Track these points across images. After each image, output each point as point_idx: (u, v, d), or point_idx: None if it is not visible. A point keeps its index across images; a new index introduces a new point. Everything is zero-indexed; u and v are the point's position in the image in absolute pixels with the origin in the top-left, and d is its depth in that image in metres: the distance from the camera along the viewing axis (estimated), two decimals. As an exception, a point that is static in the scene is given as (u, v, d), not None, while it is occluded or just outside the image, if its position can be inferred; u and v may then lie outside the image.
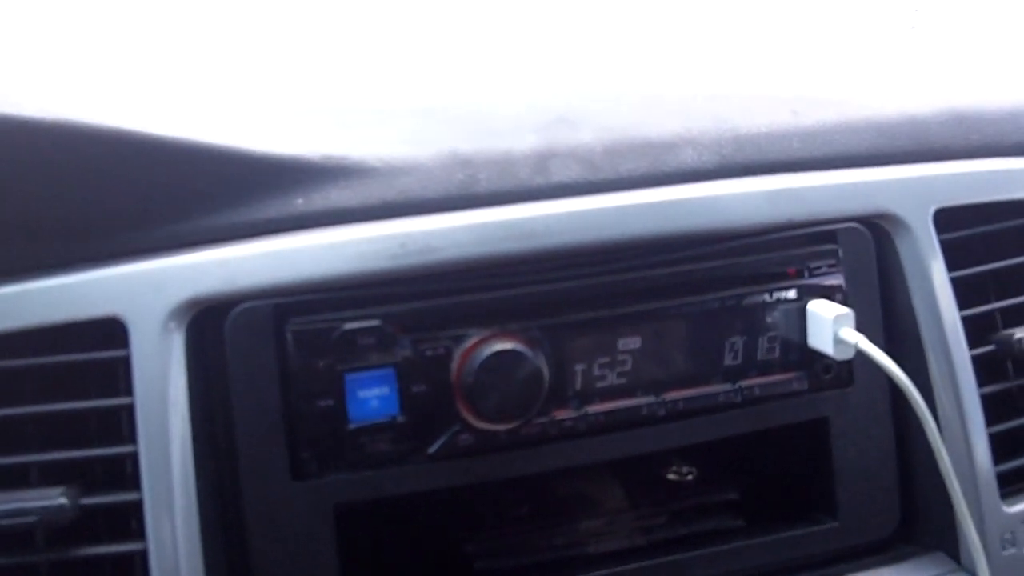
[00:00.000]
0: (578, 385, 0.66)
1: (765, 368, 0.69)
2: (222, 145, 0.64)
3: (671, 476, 0.76)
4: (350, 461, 0.63)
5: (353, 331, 0.63)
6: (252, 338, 0.62)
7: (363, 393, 0.63)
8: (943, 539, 0.71)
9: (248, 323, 0.62)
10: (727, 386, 0.69)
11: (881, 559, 0.72)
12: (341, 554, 0.64)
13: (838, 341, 0.67)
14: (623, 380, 0.67)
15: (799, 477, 0.74)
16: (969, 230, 0.75)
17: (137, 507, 0.61)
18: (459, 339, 0.64)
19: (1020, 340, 0.73)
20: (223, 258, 0.62)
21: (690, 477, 0.76)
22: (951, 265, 0.73)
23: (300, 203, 0.65)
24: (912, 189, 0.73)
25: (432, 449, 0.64)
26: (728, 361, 0.69)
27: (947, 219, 0.74)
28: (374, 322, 0.63)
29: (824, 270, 0.70)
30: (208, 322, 0.62)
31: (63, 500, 0.59)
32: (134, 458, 0.61)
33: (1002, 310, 0.76)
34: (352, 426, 0.63)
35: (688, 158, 0.71)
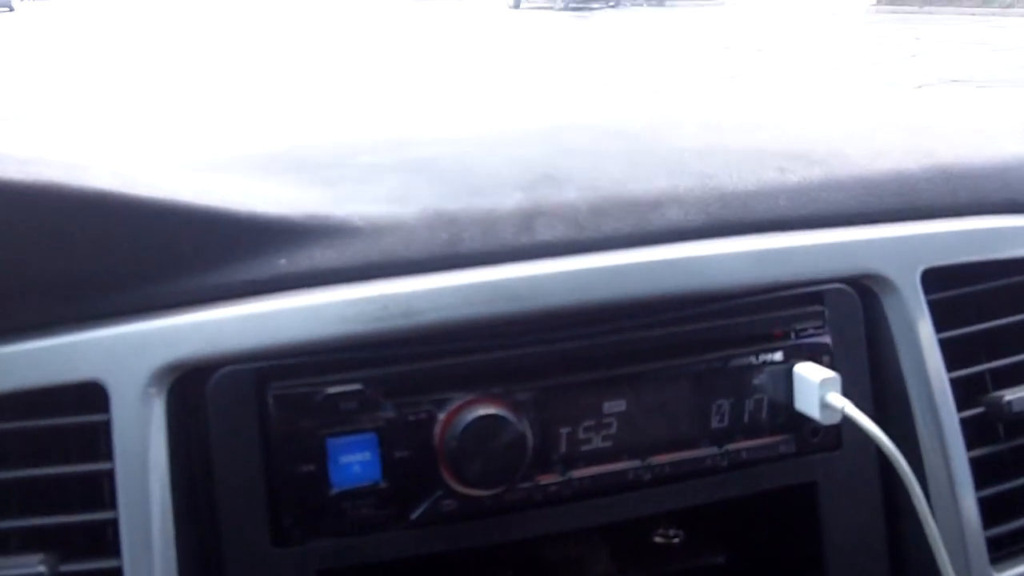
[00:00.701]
0: (563, 449, 0.65)
1: (752, 431, 0.69)
2: (205, 206, 0.64)
3: (658, 539, 0.75)
4: (332, 527, 0.62)
5: (335, 395, 0.62)
6: (233, 402, 0.62)
7: (345, 458, 0.62)
8: None
9: (229, 387, 0.62)
10: (713, 450, 0.68)
11: None
12: None
13: (824, 406, 0.67)
14: (608, 444, 0.66)
15: (787, 541, 0.73)
16: (957, 290, 0.75)
17: (117, 574, 0.60)
18: (442, 403, 0.63)
19: (1010, 403, 0.72)
20: (204, 321, 0.62)
21: (677, 540, 0.75)
22: (939, 326, 0.73)
23: (283, 264, 0.65)
24: (899, 249, 0.73)
25: (415, 515, 0.63)
26: (714, 424, 0.68)
27: (935, 279, 0.74)
28: (356, 386, 0.62)
29: (811, 332, 0.70)
30: (189, 386, 0.62)
31: (42, 568, 0.58)
32: (114, 524, 0.60)
33: (992, 371, 0.75)
34: (334, 491, 0.62)
35: (674, 216, 0.71)
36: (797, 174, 0.76)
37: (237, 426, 0.62)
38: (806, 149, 0.81)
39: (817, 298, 0.71)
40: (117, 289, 0.63)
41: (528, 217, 0.69)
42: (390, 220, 0.68)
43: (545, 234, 0.68)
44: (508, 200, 0.70)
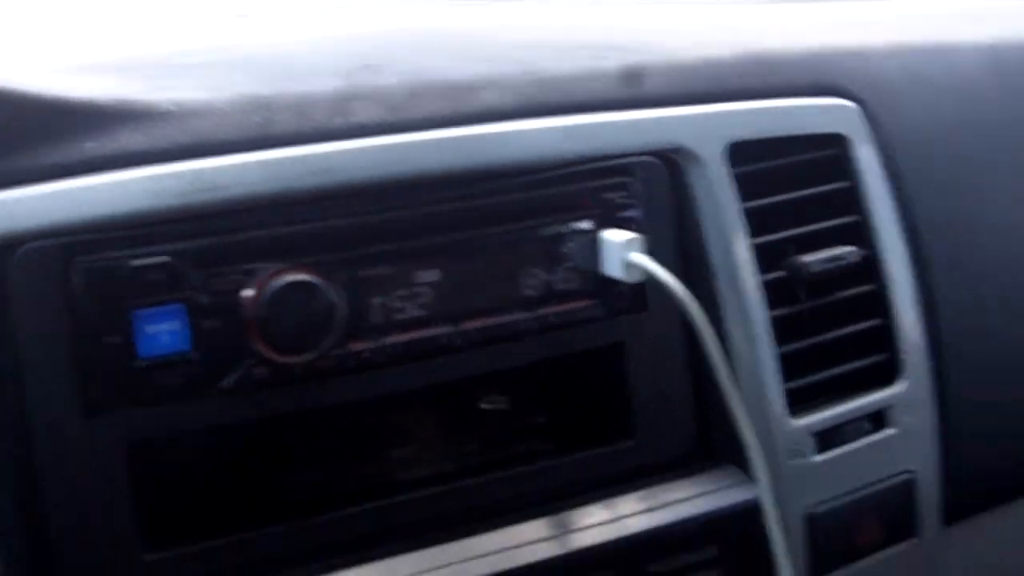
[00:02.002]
0: (375, 317, 0.67)
1: (562, 297, 0.71)
2: (7, 87, 0.64)
3: (484, 406, 0.77)
4: (142, 397, 0.63)
5: (142, 268, 0.63)
6: (38, 278, 0.62)
7: (152, 328, 0.63)
8: (736, 454, 0.74)
9: (34, 263, 0.62)
10: (524, 314, 0.71)
11: (677, 474, 0.75)
12: (137, 491, 0.64)
13: (628, 265, 0.70)
14: (421, 312, 0.68)
15: (601, 402, 0.76)
16: (762, 163, 0.79)
17: None
18: (251, 273, 0.64)
19: (808, 264, 0.77)
20: (6, 199, 0.62)
21: (503, 406, 0.77)
22: (745, 197, 0.77)
23: (90, 147, 0.65)
24: (705, 124, 0.77)
25: (226, 383, 0.65)
26: (525, 291, 0.71)
27: (741, 153, 0.77)
28: (163, 258, 0.63)
29: (618, 202, 0.73)
30: None
31: None
32: None
33: (798, 240, 0.79)
34: (142, 362, 0.63)
35: (489, 99, 0.73)
36: (613, 61, 0.79)
37: (42, 301, 0.62)
38: (626, 42, 0.84)
39: (625, 170, 0.74)
40: None
41: (343, 100, 0.70)
42: (201, 105, 0.68)
43: (360, 116, 0.69)
44: (325, 86, 0.71)
